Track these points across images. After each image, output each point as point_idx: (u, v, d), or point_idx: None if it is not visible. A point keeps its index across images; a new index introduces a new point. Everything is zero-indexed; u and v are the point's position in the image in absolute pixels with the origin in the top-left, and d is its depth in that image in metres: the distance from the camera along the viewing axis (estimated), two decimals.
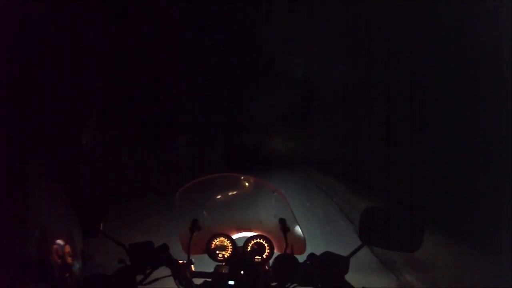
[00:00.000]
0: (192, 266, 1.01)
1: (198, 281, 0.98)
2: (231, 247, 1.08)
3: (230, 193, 1.13)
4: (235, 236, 1.13)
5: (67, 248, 0.71)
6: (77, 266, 0.74)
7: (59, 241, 0.70)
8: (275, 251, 1.08)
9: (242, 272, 1.02)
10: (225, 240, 1.09)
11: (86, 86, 6.14)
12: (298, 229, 1.07)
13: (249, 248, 1.07)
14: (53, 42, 4.69)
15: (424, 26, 5.95)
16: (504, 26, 3.72)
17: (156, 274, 0.96)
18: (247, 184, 1.11)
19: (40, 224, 0.68)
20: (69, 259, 0.71)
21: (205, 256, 1.09)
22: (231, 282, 0.97)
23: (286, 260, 0.97)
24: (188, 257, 1.01)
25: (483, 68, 4.38)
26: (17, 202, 0.71)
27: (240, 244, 1.10)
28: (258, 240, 1.08)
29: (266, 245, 1.08)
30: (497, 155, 3.90)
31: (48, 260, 0.67)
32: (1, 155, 0.65)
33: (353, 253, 0.92)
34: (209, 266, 1.05)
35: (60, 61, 4.93)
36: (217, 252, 1.08)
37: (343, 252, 0.94)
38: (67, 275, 0.71)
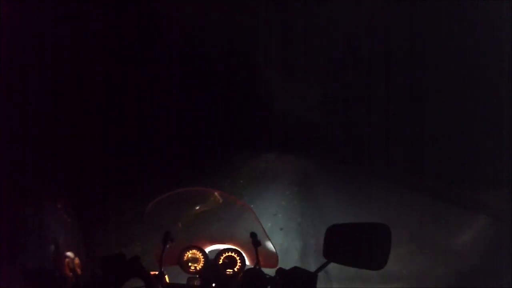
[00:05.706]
0: (166, 277, 1.03)
1: None
2: (203, 259, 1.11)
3: (201, 207, 1.15)
4: (207, 248, 1.16)
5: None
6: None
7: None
8: (246, 264, 1.10)
9: (213, 285, 1.05)
10: (198, 252, 1.12)
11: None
12: (269, 243, 1.10)
13: (221, 261, 1.10)
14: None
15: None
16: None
17: (128, 286, 0.99)
18: (217, 198, 1.13)
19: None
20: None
21: (178, 268, 1.12)
22: None
23: (254, 274, 1.00)
24: (160, 268, 1.02)
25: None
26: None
27: (212, 256, 1.12)
28: (229, 254, 1.11)
29: (237, 258, 1.10)
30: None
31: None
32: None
33: (319, 270, 0.94)
34: (182, 278, 1.08)
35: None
36: (190, 264, 1.10)
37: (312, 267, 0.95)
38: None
